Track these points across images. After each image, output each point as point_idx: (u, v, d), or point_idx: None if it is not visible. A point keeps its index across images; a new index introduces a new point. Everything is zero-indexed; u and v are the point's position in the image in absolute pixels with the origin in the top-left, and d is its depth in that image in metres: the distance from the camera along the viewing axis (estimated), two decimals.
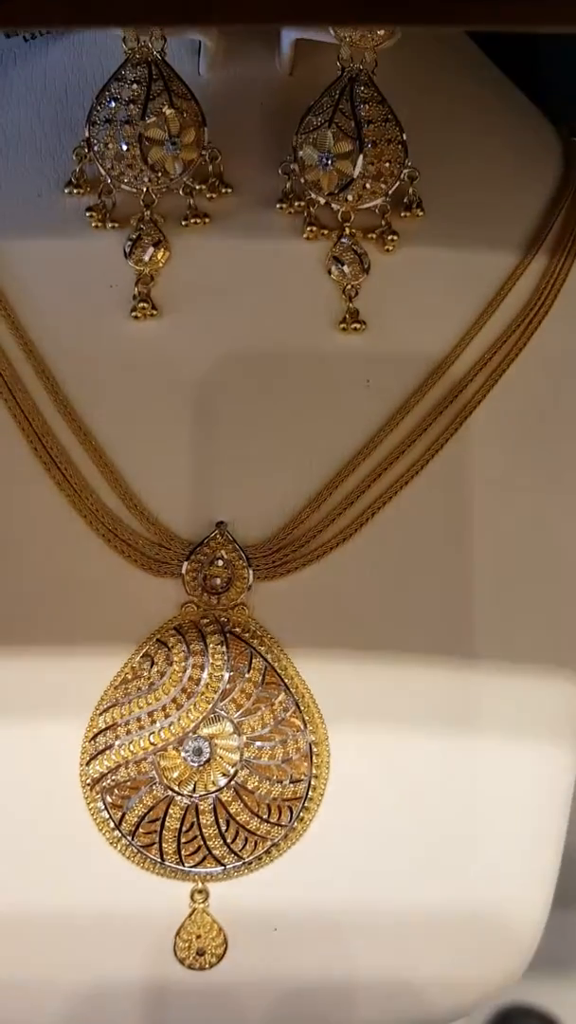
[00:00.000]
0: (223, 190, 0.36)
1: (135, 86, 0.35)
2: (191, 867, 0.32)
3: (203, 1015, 0.32)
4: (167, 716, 0.33)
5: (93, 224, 0.36)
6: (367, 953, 0.33)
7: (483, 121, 0.39)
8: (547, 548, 0.35)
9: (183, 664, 0.33)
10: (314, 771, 0.33)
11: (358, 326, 0.35)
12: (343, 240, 0.36)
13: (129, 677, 0.33)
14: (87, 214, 0.36)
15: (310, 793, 0.33)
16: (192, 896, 0.33)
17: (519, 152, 0.39)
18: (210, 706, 0.33)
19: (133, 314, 0.35)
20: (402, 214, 0.36)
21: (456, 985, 0.33)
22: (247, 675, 0.33)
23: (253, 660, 0.33)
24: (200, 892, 0.33)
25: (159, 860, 0.32)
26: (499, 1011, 0.56)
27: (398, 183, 0.36)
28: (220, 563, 0.33)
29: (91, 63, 0.37)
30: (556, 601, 0.35)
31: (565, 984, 0.55)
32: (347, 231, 0.36)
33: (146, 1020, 0.32)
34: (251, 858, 0.32)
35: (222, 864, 0.32)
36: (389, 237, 0.36)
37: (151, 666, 0.33)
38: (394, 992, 0.32)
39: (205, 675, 0.33)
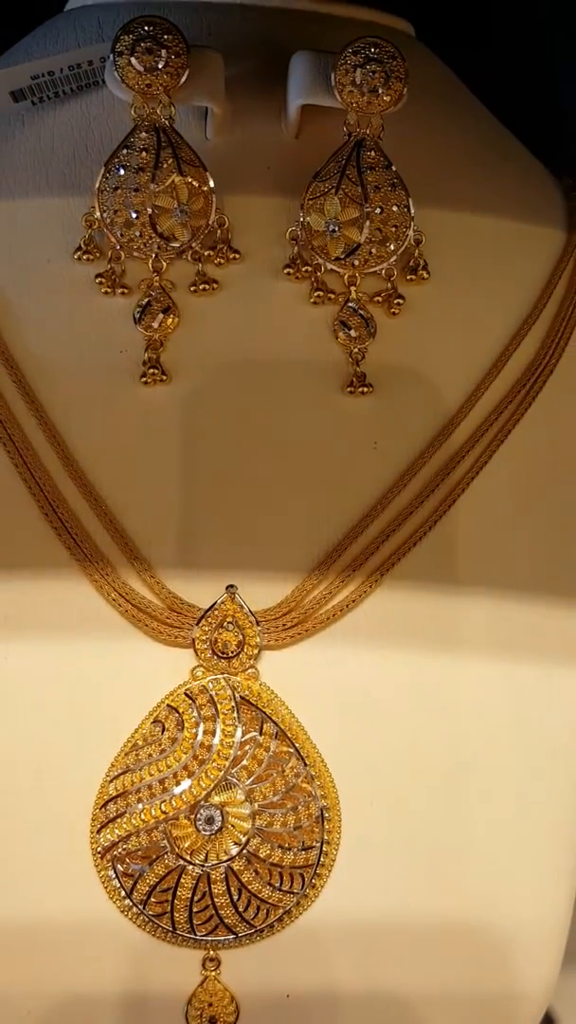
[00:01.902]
0: (231, 256, 0.36)
1: (144, 153, 0.35)
2: (203, 936, 0.32)
3: None
4: (178, 783, 0.33)
5: (103, 290, 0.36)
6: (379, 1019, 0.33)
7: (488, 180, 0.40)
8: (550, 602, 0.35)
9: (194, 730, 0.33)
10: (326, 836, 0.33)
11: (365, 390, 0.36)
12: (349, 304, 0.36)
13: (140, 743, 0.33)
14: (97, 280, 0.36)
15: (322, 859, 0.33)
16: (204, 964, 0.32)
17: (523, 211, 0.40)
18: (221, 773, 0.33)
19: (143, 380, 0.35)
20: (407, 277, 0.37)
21: None
22: (258, 740, 0.33)
23: (264, 725, 0.33)
24: (212, 960, 0.32)
25: (171, 929, 0.32)
26: None
27: (404, 246, 0.36)
28: (230, 627, 0.34)
29: (99, 126, 0.38)
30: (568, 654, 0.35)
31: (562, 977, 0.55)
32: (353, 295, 0.36)
33: None
34: (263, 926, 0.32)
35: (234, 932, 0.32)
36: (395, 301, 0.36)
37: (162, 732, 0.33)
38: None
39: (216, 741, 0.33)
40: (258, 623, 0.34)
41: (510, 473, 0.36)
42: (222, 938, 0.32)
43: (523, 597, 0.35)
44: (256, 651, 0.34)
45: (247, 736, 0.33)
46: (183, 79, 0.34)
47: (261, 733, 0.33)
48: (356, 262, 0.36)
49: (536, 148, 0.44)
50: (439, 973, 0.32)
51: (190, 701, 0.33)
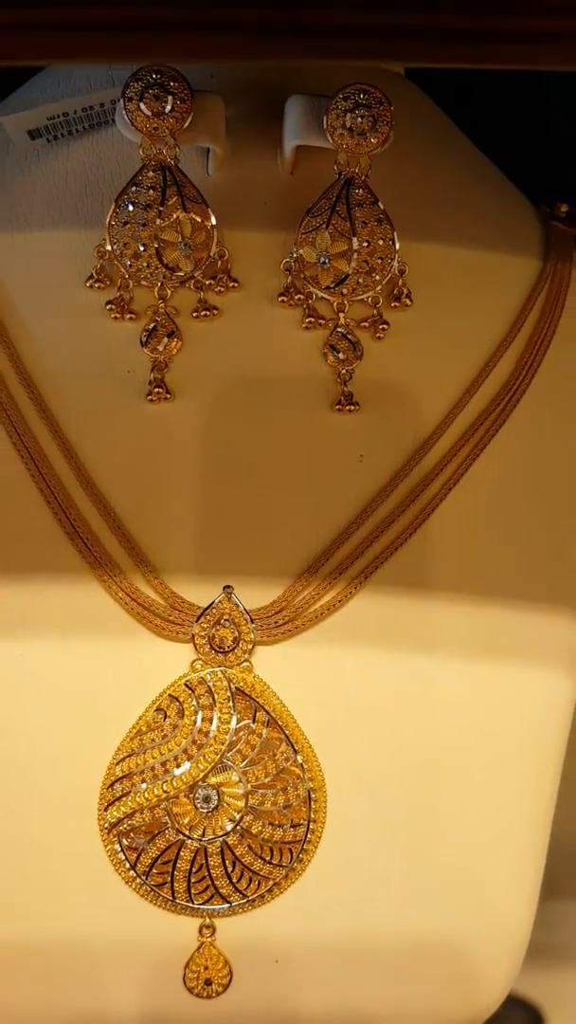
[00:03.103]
0: (230, 284, 0.39)
1: (151, 191, 0.38)
2: (200, 904, 0.35)
3: None
4: (179, 766, 0.36)
5: (112, 316, 0.39)
6: (361, 982, 0.36)
7: (468, 210, 0.43)
8: (535, 607, 0.39)
9: (193, 718, 0.36)
10: (312, 815, 0.36)
11: (352, 408, 0.39)
12: (338, 329, 0.39)
13: (144, 729, 0.36)
14: (107, 307, 0.39)
15: (309, 836, 0.36)
16: (200, 931, 0.36)
17: (502, 239, 0.43)
18: (218, 757, 0.36)
19: (149, 397, 0.38)
20: (392, 304, 0.40)
21: (441, 1012, 0.36)
22: (252, 728, 0.36)
23: (257, 714, 0.36)
24: (208, 927, 0.36)
25: (170, 898, 0.36)
26: None
27: (388, 276, 0.39)
28: (227, 624, 0.37)
29: (109, 163, 0.41)
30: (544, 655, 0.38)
31: (547, 973, 0.57)
32: (342, 321, 0.39)
33: None
34: (254, 896, 0.36)
35: (228, 902, 0.36)
36: (380, 326, 0.39)
37: (164, 719, 0.36)
38: (393, 1017, 0.35)
39: (213, 727, 0.36)
40: (252, 621, 0.37)
41: (486, 485, 0.39)
42: (217, 907, 0.36)
43: (495, 601, 0.38)
44: (250, 646, 0.37)
45: (241, 723, 0.36)
46: (187, 122, 0.37)
47: (254, 721, 0.36)
48: (344, 291, 0.39)
49: (528, 177, 0.46)
50: (413, 937, 0.36)
51: (190, 691, 0.37)
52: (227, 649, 0.37)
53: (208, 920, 0.36)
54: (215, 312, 0.39)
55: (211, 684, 0.37)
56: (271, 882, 0.36)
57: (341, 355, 0.39)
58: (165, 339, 0.39)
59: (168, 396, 0.39)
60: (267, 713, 0.36)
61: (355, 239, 0.38)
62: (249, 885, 0.36)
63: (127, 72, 0.37)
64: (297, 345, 0.39)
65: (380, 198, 0.39)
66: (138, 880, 0.36)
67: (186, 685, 0.37)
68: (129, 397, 0.39)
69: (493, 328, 0.41)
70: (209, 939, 0.36)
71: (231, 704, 0.36)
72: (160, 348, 0.39)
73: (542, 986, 0.58)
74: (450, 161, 0.43)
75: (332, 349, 0.39)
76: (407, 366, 0.39)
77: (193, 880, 0.35)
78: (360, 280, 0.39)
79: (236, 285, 0.39)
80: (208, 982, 0.35)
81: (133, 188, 0.39)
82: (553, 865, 0.37)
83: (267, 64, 0.37)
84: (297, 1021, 0.35)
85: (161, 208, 0.38)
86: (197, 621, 0.37)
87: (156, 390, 0.38)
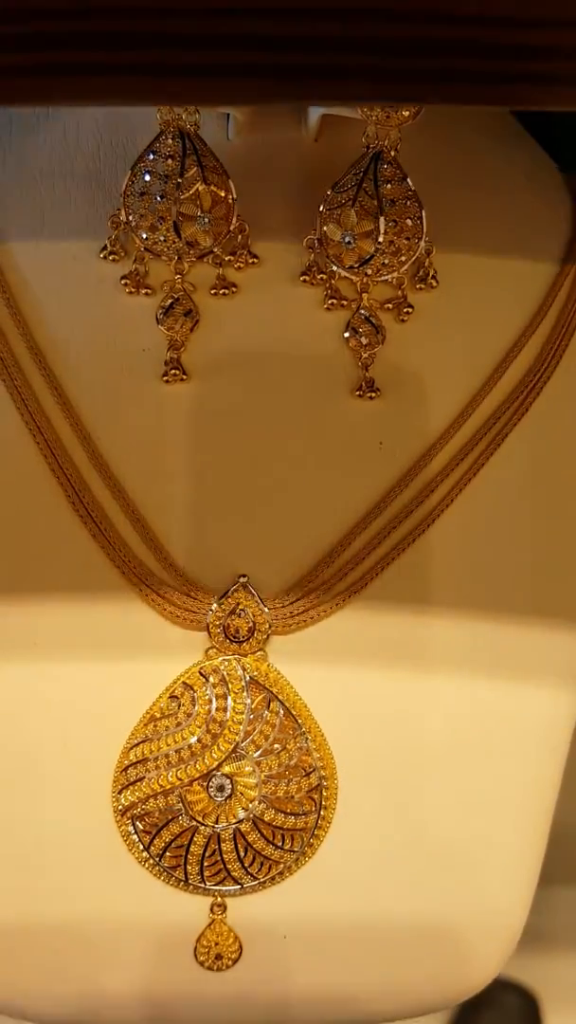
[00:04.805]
0: (250, 260, 0.38)
1: (169, 161, 0.36)
2: (212, 886, 0.36)
3: (219, 1014, 0.37)
4: (193, 754, 0.36)
5: (128, 290, 0.38)
6: (363, 959, 0.37)
7: (500, 187, 0.41)
8: (550, 592, 0.39)
9: (207, 707, 0.36)
10: (323, 803, 0.37)
11: (373, 394, 0.38)
12: (361, 311, 0.38)
13: (157, 716, 0.37)
14: (122, 281, 0.38)
15: (319, 823, 0.37)
16: (211, 909, 0.37)
17: (531, 214, 0.41)
18: (232, 746, 0.36)
19: (164, 379, 0.37)
20: (417, 286, 0.38)
21: (442, 986, 0.37)
22: (266, 717, 0.37)
23: (271, 704, 0.37)
24: (219, 905, 0.37)
25: (183, 879, 0.36)
26: None
27: (415, 257, 0.38)
28: (242, 613, 0.37)
29: (124, 124, 0.39)
30: (551, 646, 0.38)
31: (543, 959, 0.60)
32: (365, 302, 0.38)
33: (166, 1018, 0.36)
34: (265, 879, 0.37)
35: (239, 883, 0.36)
36: (405, 309, 0.38)
37: (178, 707, 0.37)
38: (389, 992, 0.37)
39: (228, 717, 0.37)
40: (267, 610, 0.37)
41: (509, 472, 0.39)
42: (228, 888, 0.37)
43: (507, 598, 0.38)
44: (265, 636, 0.37)
45: (256, 713, 0.36)
46: None
47: (268, 710, 0.37)
48: (369, 271, 0.37)
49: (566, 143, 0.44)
50: (416, 918, 0.37)
51: (204, 680, 0.37)
52: (242, 638, 0.37)
53: (219, 899, 0.37)
54: (234, 289, 0.38)
55: (225, 673, 0.37)
56: (281, 866, 0.37)
57: (363, 338, 0.38)
58: (182, 317, 0.37)
59: (184, 377, 0.37)
60: (281, 703, 0.37)
61: (382, 219, 0.37)
62: (260, 869, 0.36)
63: None
64: (318, 326, 0.38)
65: (408, 174, 0.37)
66: (151, 861, 0.36)
67: (200, 673, 0.37)
68: (144, 377, 0.38)
69: (520, 310, 0.39)
70: (220, 916, 0.37)
71: (245, 693, 0.37)
72: (177, 326, 0.37)
73: (537, 971, 0.60)
74: (483, 137, 0.41)
75: (354, 332, 0.38)
76: (431, 350, 0.38)
77: (206, 864, 0.36)
78: (386, 261, 0.37)
79: (256, 261, 0.38)
80: (219, 956, 0.37)
81: (151, 156, 0.37)
82: (548, 851, 0.38)
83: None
84: (303, 995, 0.37)
85: (180, 180, 0.36)
86: (212, 610, 0.37)
87: (172, 371, 0.37)
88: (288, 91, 0.25)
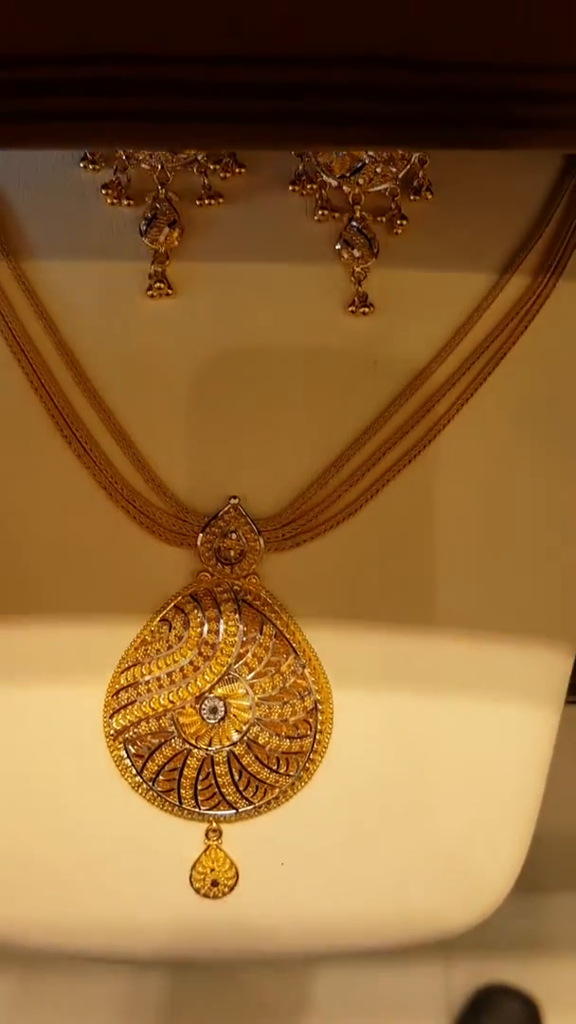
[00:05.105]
0: (237, 170, 0.36)
1: None
2: (206, 810, 0.36)
3: (216, 941, 0.36)
4: (185, 677, 0.36)
5: (109, 201, 0.36)
6: (363, 885, 0.37)
7: None
8: (542, 522, 0.38)
9: (199, 629, 0.36)
10: (319, 727, 0.36)
11: (366, 310, 0.37)
12: (353, 223, 0.37)
13: (148, 639, 0.36)
14: (102, 190, 0.36)
15: (315, 747, 0.36)
16: (207, 835, 0.36)
17: None
18: (225, 668, 0.36)
19: (149, 293, 0.36)
20: (411, 197, 0.37)
21: (441, 914, 0.37)
22: (258, 640, 0.36)
23: (264, 626, 0.36)
24: (214, 831, 0.36)
25: (177, 804, 0.36)
26: (480, 990, 0.61)
27: (408, 166, 0.36)
28: (233, 536, 0.36)
29: None
30: (551, 575, 0.38)
31: (543, 964, 0.60)
32: (357, 213, 0.37)
33: (163, 946, 0.36)
34: (261, 803, 0.36)
35: (234, 808, 0.36)
36: (399, 221, 0.37)
37: (169, 630, 0.36)
38: (390, 920, 0.37)
39: (219, 640, 0.36)
40: (259, 532, 0.36)
41: (508, 391, 0.37)
42: (223, 812, 0.36)
43: (504, 523, 0.37)
44: (257, 557, 0.36)
45: (248, 635, 0.36)
46: None
47: (261, 633, 0.36)
48: (361, 180, 0.36)
49: None
50: (414, 845, 0.36)
51: (195, 603, 0.36)
52: (233, 561, 0.36)
53: (214, 825, 0.36)
54: (219, 200, 0.36)
55: (217, 596, 0.36)
56: (277, 790, 0.36)
57: (356, 251, 0.36)
58: (166, 228, 0.36)
59: (170, 292, 0.36)
60: (274, 625, 0.36)
61: None
62: (256, 793, 0.36)
63: None
64: (308, 238, 0.37)
65: None
66: (144, 786, 0.36)
67: (192, 596, 0.36)
68: (127, 291, 0.36)
69: (519, 223, 0.38)
70: (215, 842, 0.36)
71: (237, 616, 0.36)
72: (161, 238, 0.36)
73: (537, 977, 0.60)
74: None
75: (346, 244, 0.37)
76: (426, 264, 0.37)
77: (200, 787, 0.36)
78: (378, 170, 0.36)
79: (243, 171, 0.36)
80: (215, 883, 0.36)
81: None
82: (548, 858, 0.38)
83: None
84: (302, 922, 0.36)
85: None
86: (203, 531, 0.36)
87: (157, 285, 0.36)
88: (287, 136, 0.26)
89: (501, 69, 0.24)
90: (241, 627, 0.36)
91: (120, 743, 0.36)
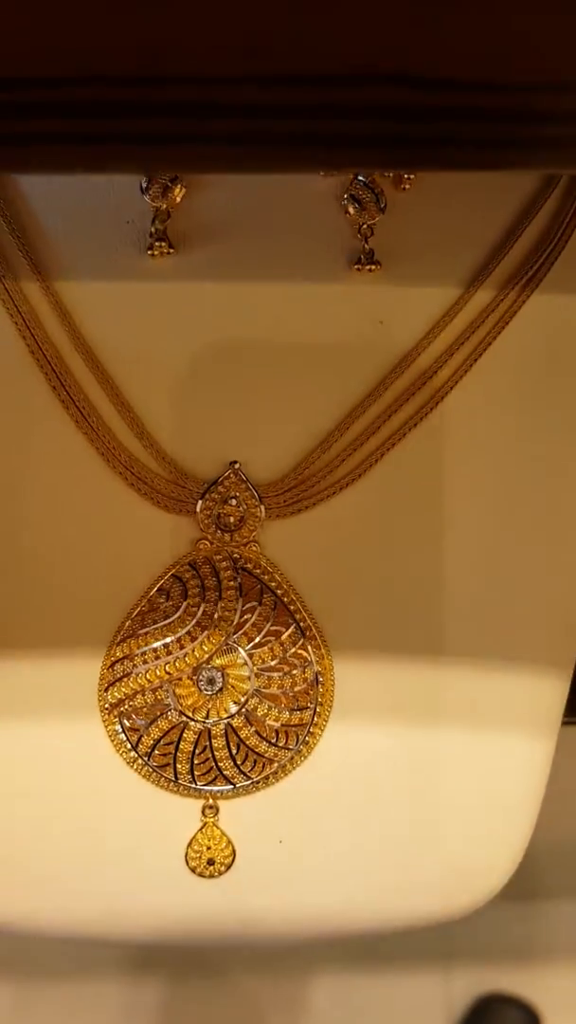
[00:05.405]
0: None
1: None
2: (203, 786, 0.35)
3: (212, 921, 0.35)
4: (182, 647, 0.34)
5: None
6: (364, 865, 0.35)
7: None
8: (550, 490, 0.36)
9: (197, 598, 0.34)
10: (319, 699, 0.35)
11: (372, 267, 0.35)
12: (359, 178, 0.35)
13: (146, 609, 0.35)
14: None
15: (315, 719, 0.35)
16: (203, 811, 0.35)
17: None
18: (223, 638, 0.34)
19: (150, 252, 0.35)
20: None
21: (442, 896, 0.36)
22: (258, 609, 0.35)
23: (264, 595, 0.35)
24: (211, 808, 0.35)
25: (173, 779, 0.35)
26: (480, 999, 0.60)
27: None
28: (233, 502, 0.35)
29: None
30: (560, 544, 0.36)
31: (543, 973, 0.59)
32: None
33: (158, 927, 0.35)
34: (259, 778, 0.35)
35: (232, 783, 0.35)
36: (406, 176, 0.36)
37: (166, 599, 0.35)
38: (390, 901, 0.35)
39: (218, 609, 0.35)
40: (260, 499, 0.35)
41: (515, 356, 0.36)
42: (221, 787, 0.35)
43: (509, 490, 0.36)
44: (258, 524, 0.35)
45: (248, 605, 0.34)
46: None
47: (260, 603, 0.35)
48: None
49: None
50: (415, 822, 0.35)
51: (193, 571, 0.35)
52: (233, 528, 0.35)
53: (211, 801, 0.35)
54: None
55: (216, 564, 0.35)
56: (276, 764, 0.35)
57: (362, 207, 0.35)
58: (167, 185, 0.35)
59: (171, 250, 0.35)
60: (274, 594, 0.35)
61: None
62: (253, 767, 0.35)
63: None
64: (313, 194, 0.36)
65: None
66: (140, 761, 0.35)
67: (190, 565, 0.35)
68: (128, 250, 0.35)
69: (530, 179, 0.37)
70: (212, 819, 0.35)
71: (237, 585, 0.34)
72: (161, 195, 0.35)
73: (538, 986, 0.59)
74: None
75: (352, 199, 0.35)
76: (434, 221, 0.36)
77: (196, 761, 0.34)
78: None
79: None
80: (211, 862, 0.35)
81: None
82: (548, 867, 0.37)
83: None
84: (301, 902, 0.35)
85: None
86: (202, 498, 0.34)
87: (158, 244, 0.35)
88: (285, 159, 0.25)
89: (508, 89, 0.24)
90: (241, 596, 0.34)
91: (116, 717, 0.34)
